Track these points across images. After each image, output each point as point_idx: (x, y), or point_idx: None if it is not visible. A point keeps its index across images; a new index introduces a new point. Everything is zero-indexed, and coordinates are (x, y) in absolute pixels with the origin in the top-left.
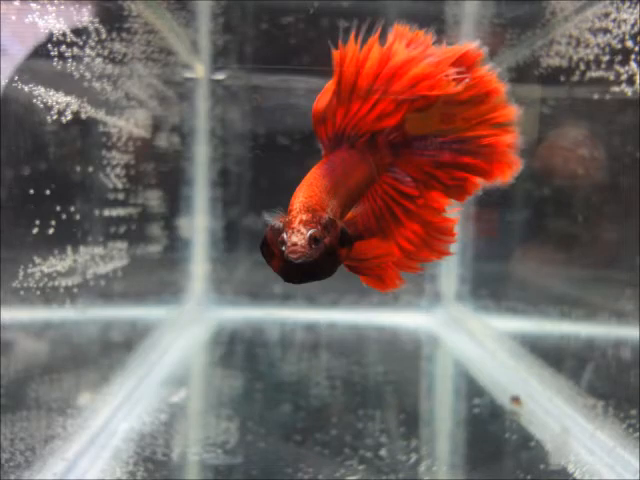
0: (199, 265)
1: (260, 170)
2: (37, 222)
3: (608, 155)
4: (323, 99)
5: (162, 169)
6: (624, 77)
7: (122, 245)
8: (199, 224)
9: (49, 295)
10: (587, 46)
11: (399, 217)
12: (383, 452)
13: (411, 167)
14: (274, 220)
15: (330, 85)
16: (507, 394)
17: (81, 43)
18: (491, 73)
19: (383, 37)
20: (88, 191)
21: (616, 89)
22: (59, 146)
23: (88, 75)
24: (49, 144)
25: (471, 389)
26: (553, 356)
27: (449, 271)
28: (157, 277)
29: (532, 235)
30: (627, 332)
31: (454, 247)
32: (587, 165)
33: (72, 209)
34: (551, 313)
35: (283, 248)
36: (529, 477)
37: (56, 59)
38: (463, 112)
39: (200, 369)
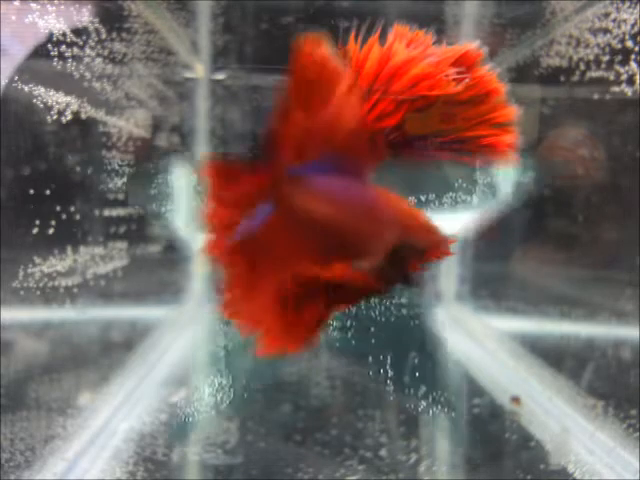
0: (199, 265)
1: None
2: (37, 222)
3: (608, 155)
4: None
5: None
6: (624, 77)
7: (122, 245)
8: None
9: (49, 295)
10: (587, 46)
11: None
12: (383, 452)
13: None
14: None
15: None
16: (507, 394)
17: (81, 43)
18: (491, 73)
19: (383, 37)
20: (88, 191)
21: (616, 89)
22: (59, 146)
23: (88, 75)
24: (49, 144)
25: (471, 389)
26: (553, 356)
27: (449, 271)
28: (157, 277)
29: (532, 235)
30: (627, 332)
31: (454, 247)
32: (587, 165)
33: (72, 209)
34: (551, 313)
35: None
36: (529, 477)
37: (56, 59)
38: (463, 112)
39: (200, 369)
